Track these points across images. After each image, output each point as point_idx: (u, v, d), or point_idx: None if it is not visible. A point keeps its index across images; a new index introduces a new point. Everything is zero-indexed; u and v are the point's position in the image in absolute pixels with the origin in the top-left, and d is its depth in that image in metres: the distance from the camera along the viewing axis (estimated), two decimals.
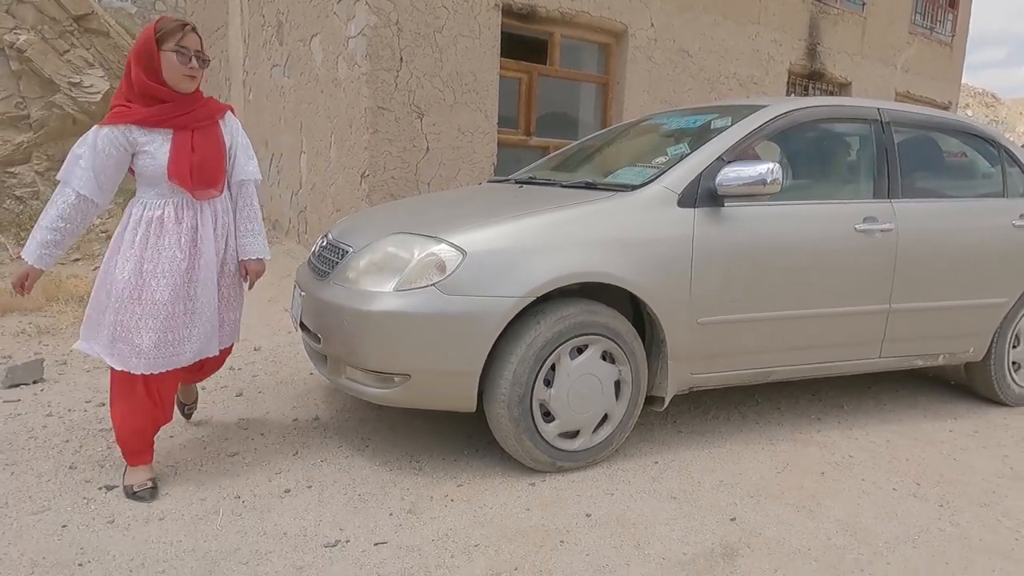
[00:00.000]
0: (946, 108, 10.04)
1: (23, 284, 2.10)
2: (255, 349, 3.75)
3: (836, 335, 2.85)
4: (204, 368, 2.45)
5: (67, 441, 2.53)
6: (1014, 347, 3.32)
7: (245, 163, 2.33)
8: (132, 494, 2.13)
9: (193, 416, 2.74)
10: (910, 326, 2.98)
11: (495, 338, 2.22)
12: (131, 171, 2.17)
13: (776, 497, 2.32)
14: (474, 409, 2.32)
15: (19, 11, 7.58)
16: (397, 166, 5.01)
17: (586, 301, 2.38)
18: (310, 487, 2.26)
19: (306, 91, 5.90)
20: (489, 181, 3.66)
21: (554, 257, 2.29)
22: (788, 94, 7.79)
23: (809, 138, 3.01)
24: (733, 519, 2.16)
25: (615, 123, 6.07)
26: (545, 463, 2.38)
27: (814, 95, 8.19)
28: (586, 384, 2.38)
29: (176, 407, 2.55)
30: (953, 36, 10.10)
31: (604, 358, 2.43)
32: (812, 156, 3.11)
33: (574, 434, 2.42)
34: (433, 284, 2.20)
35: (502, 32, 5.39)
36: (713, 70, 6.89)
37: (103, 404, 2.86)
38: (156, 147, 2.10)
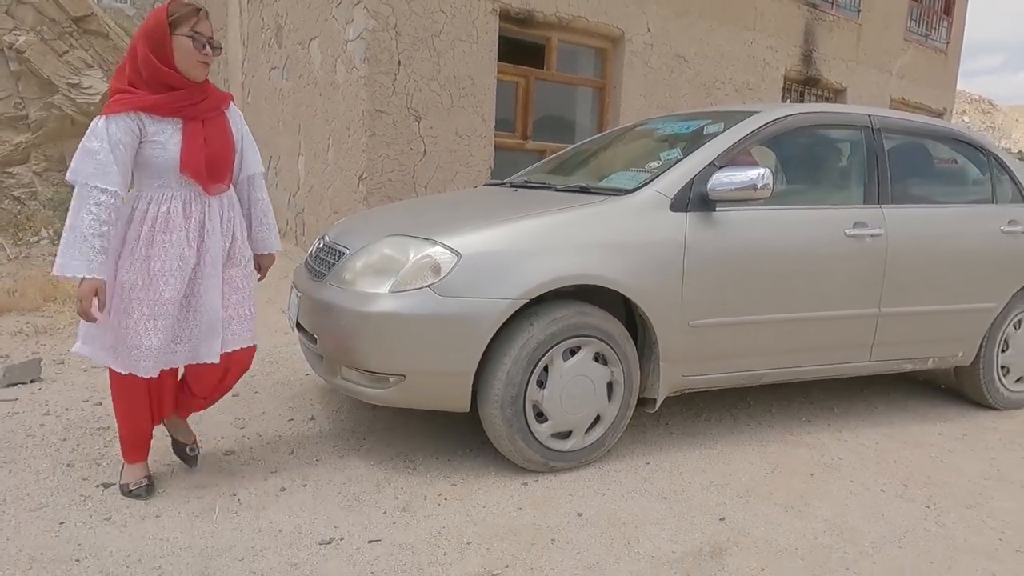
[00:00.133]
0: (941, 115, 10.11)
1: (97, 298, 1.90)
2: None
3: (826, 338, 2.89)
4: (230, 372, 2.21)
5: (64, 439, 2.55)
6: (1003, 351, 3.36)
7: (253, 156, 2.26)
8: (128, 492, 2.15)
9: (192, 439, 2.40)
10: (900, 330, 3.02)
11: (489, 339, 2.25)
12: None
13: (765, 497, 2.35)
14: (468, 409, 2.35)
15: (18, 12, 7.60)
16: (394, 169, 5.05)
17: (579, 303, 2.41)
18: (305, 485, 2.29)
19: (304, 94, 5.93)
20: (486, 184, 3.69)
21: (548, 260, 2.32)
22: (784, 100, 7.85)
23: (800, 144, 3.05)
24: (722, 519, 2.19)
25: (611, 127, 6.11)
26: (538, 463, 2.41)
27: (810, 101, 8.25)
28: (579, 385, 2.41)
29: (173, 450, 2.38)
30: (948, 43, 10.18)
31: (597, 360, 2.46)
32: (803, 162, 3.15)
33: (567, 435, 2.45)
34: (428, 286, 2.23)
35: (500, 36, 5.44)
36: (709, 75, 6.94)
37: (100, 403, 2.89)
38: (166, 137, 1.98)
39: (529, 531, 2.06)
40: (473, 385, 2.30)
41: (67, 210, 1.94)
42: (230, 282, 2.16)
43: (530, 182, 3.21)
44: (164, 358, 2.07)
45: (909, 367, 3.17)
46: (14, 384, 3.09)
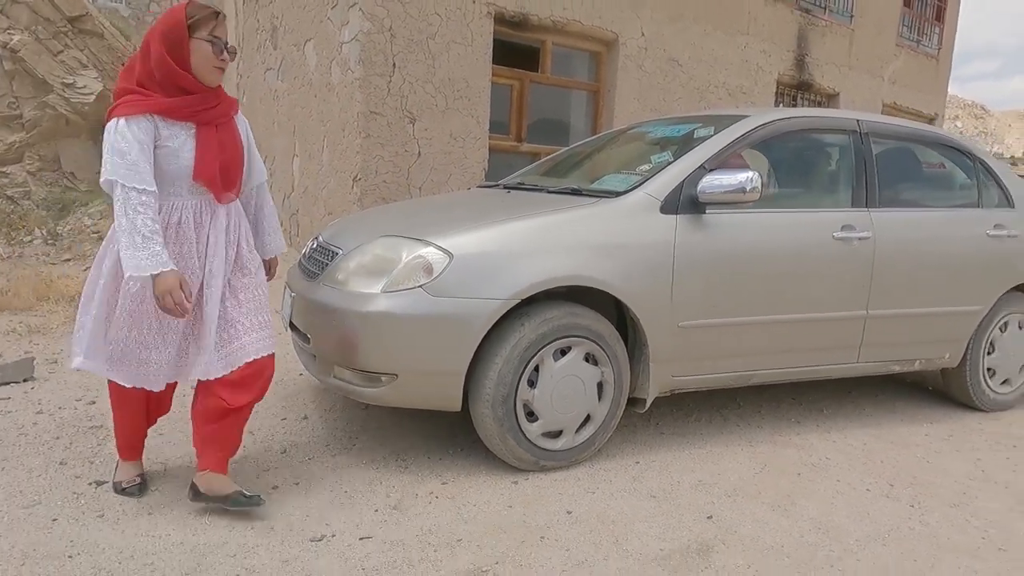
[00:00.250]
0: (932, 120, 10.19)
1: (183, 290, 1.84)
2: None
3: (815, 340, 2.92)
4: (262, 377, 2.08)
5: (57, 438, 2.56)
6: (989, 354, 3.40)
7: (259, 163, 2.22)
8: (121, 490, 2.16)
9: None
10: (887, 332, 3.06)
11: (480, 339, 2.27)
12: None
13: (753, 496, 2.38)
14: (459, 409, 2.37)
15: (13, 11, 7.60)
16: (389, 170, 5.07)
17: (570, 304, 2.44)
18: (297, 483, 2.31)
19: (299, 95, 5.95)
20: (479, 186, 3.72)
21: (539, 261, 2.35)
22: (776, 104, 7.91)
23: (789, 148, 3.09)
24: (710, 517, 2.22)
25: (605, 130, 6.15)
26: (528, 462, 2.43)
27: (802, 105, 8.31)
28: (569, 385, 2.44)
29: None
30: (939, 49, 10.27)
31: (587, 360, 2.49)
32: (792, 165, 3.19)
33: (557, 434, 2.48)
34: (420, 286, 2.25)
35: (494, 39, 5.47)
36: (702, 79, 6.99)
37: (93, 402, 2.90)
38: (180, 143, 1.91)
39: (519, 529, 2.08)
40: (464, 385, 2.33)
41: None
42: (243, 290, 2.08)
43: (523, 184, 3.24)
44: (172, 372, 2.05)
45: (897, 368, 3.21)
46: (7, 383, 3.10)
